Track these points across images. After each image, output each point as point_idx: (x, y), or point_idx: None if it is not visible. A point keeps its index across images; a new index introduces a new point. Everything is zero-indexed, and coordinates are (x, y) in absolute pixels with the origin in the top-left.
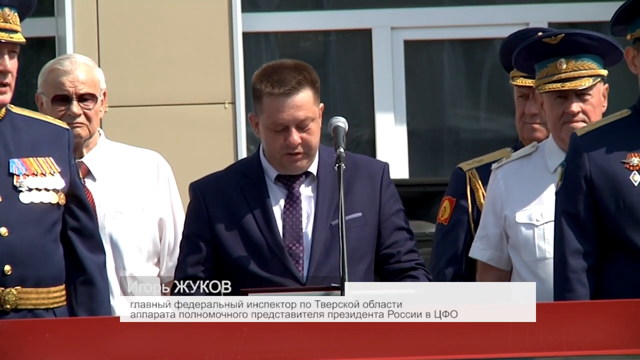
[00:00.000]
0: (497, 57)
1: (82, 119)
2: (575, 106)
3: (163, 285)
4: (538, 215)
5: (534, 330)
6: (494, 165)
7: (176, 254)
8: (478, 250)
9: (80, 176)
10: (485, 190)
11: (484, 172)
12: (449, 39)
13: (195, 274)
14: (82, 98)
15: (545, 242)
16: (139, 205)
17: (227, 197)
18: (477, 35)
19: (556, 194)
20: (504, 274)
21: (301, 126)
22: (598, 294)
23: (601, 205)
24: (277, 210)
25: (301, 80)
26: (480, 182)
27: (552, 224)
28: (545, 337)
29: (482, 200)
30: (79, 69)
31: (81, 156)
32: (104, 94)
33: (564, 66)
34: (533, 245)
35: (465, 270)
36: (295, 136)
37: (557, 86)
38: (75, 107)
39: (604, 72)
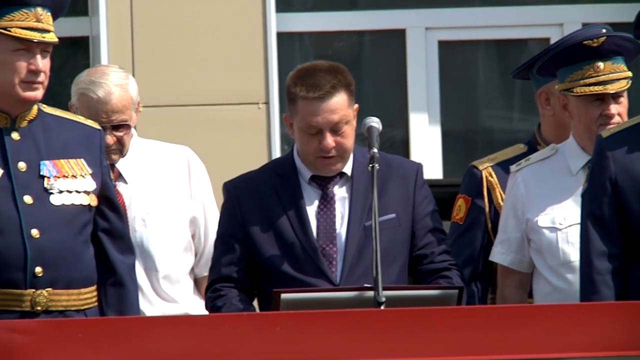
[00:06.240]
0: (531, 58)
1: (115, 146)
2: (614, 108)
3: (196, 283)
4: (561, 219)
5: (538, 331)
6: (512, 168)
7: (208, 250)
8: (499, 255)
9: (112, 177)
10: (502, 189)
11: (500, 171)
12: (483, 40)
13: (230, 274)
14: (116, 127)
15: (569, 245)
16: (170, 205)
17: (260, 197)
18: (511, 35)
19: (582, 196)
20: (525, 277)
21: (335, 129)
22: (624, 295)
23: (626, 207)
24: (311, 211)
25: (336, 84)
26: (497, 180)
27: (576, 227)
28: (553, 339)
29: (499, 200)
30: (113, 96)
31: (114, 160)
32: (138, 103)
33: (602, 68)
34: (557, 248)
35: (482, 270)
36: (329, 140)
37: (599, 89)
38: (110, 138)
39: (630, 74)
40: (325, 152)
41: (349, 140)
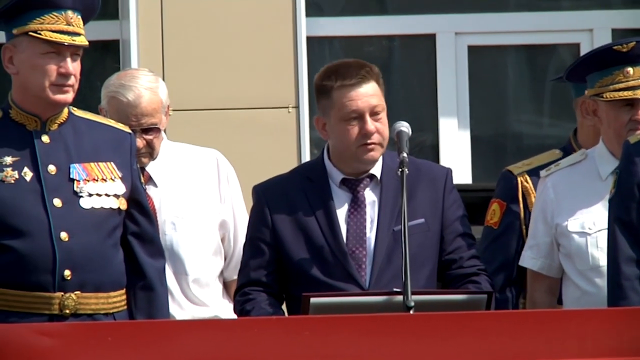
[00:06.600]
0: (561, 63)
1: (145, 149)
2: None
3: (226, 287)
4: (590, 224)
5: (567, 336)
6: (542, 173)
7: (238, 253)
8: (529, 259)
9: (142, 181)
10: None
11: (536, 176)
12: (513, 45)
13: (258, 278)
14: (146, 130)
15: (598, 250)
16: (200, 208)
17: (290, 201)
18: (541, 41)
19: (609, 201)
20: (555, 282)
21: (374, 113)
22: None
23: None
24: (341, 214)
25: (368, 70)
26: (532, 186)
27: (605, 231)
28: (582, 344)
29: None
30: (142, 99)
31: (144, 164)
32: (168, 106)
33: (632, 73)
34: (586, 253)
35: (516, 276)
36: (371, 125)
37: (629, 94)
38: (139, 141)
39: None
40: (368, 138)
41: (386, 129)
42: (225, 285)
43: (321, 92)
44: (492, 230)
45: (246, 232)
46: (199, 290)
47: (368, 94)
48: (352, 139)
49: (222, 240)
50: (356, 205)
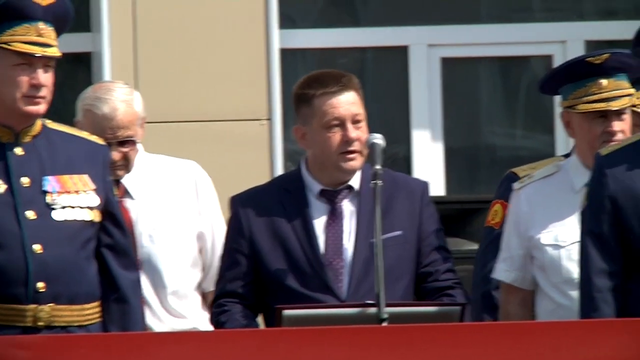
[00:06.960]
0: (534, 75)
1: (121, 162)
2: (617, 125)
3: (204, 298)
4: (564, 236)
5: (541, 348)
6: (515, 185)
7: (216, 265)
8: (502, 272)
9: (116, 193)
10: None
11: None
12: (486, 57)
13: (234, 289)
14: (122, 143)
15: (572, 263)
16: (177, 220)
17: (268, 212)
18: (514, 52)
19: (581, 213)
20: (528, 295)
21: (356, 121)
22: (623, 313)
23: (625, 225)
24: (319, 225)
25: (349, 79)
26: None
27: (579, 244)
28: (556, 356)
29: None
30: (118, 112)
31: (120, 176)
32: (143, 119)
33: (605, 85)
34: (560, 266)
35: None
36: (353, 132)
37: (602, 105)
38: (115, 154)
39: (633, 91)
40: (349, 145)
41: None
42: (204, 296)
43: (301, 100)
44: (493, 231)
45: (224, 242)
46: (178, 303)
47: (349, 101)
48: (333, 147)
49: (200, 251)
50: (334, 217)
